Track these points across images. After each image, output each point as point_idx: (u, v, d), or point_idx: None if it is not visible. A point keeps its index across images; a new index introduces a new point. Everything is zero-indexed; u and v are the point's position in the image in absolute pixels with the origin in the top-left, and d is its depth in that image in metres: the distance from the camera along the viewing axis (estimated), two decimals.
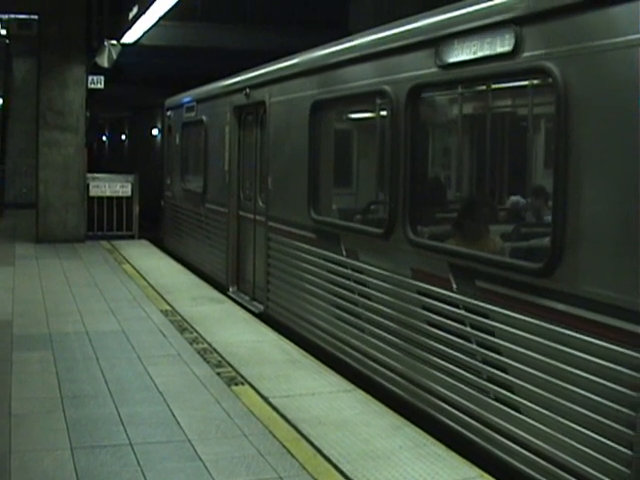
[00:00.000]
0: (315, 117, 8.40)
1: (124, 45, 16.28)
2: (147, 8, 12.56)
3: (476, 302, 5.43)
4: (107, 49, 16.17)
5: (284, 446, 5.36)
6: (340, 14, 17.77)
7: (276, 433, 5.60)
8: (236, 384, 6.75)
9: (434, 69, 6.00)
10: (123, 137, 40.71)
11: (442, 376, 5.82)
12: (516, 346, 5.01)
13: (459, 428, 5.62)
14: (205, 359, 7.51)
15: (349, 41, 7.83)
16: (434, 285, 5.95)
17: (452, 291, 5.72)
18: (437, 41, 5.94)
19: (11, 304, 9.84)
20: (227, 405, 6.19)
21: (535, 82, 5.44)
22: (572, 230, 4.59)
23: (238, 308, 10.00)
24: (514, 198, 6.21)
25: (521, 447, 4.95)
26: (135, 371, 7.10)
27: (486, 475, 4.95)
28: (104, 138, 49.13)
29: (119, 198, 17.16)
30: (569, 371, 4.55)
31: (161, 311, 9.64)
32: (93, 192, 16.85)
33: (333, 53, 8.14)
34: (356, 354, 7.25)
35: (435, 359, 5.92)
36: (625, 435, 4.15)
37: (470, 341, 5.51)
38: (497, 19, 5.26)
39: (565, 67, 4.63)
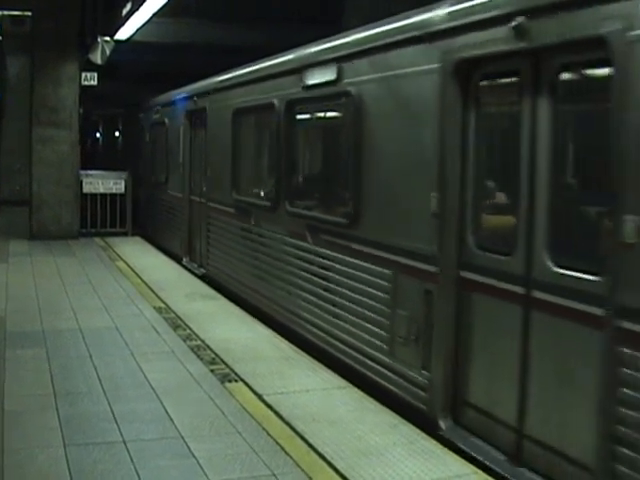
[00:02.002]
0: (235, 121, 11.05)
1: (117, 42, 16.23)
2: (140, 4, 12.53)
3: (320, 249, 8.07)
4: (100, 46, 16.11)
5: (278, 443, 5.36)
6: (335, 10, 17.73)
7: (270, 430, 5.60)
8: (230, 381, 6.74)
9: (300, 89, 8.62)
10: (117, 134, 40.74)
11: (307, 304, 8.35)
12: (338, 275, 7.61)
13: (317, 341, 8.04)
14: (199, 356, 7.51)
15: (256, 65, 10.44)
16: (299, 240, 8.62)
17: (308, 242, 8.39)
18: (301, 69, 8.56)
19: (4, 301, 9.82)
20: (221, 402, 6.19)
21: (344, 99, 7.58)
22: (363, 203, 7.12)
23: (232, 305, 9.99)
24: (333, 182, 8.63)
25: (346, 346, 7.34)
26: (128, 368, 7.10)
27: (480, 471, 4.96)
28: (98, 135, 49.03)
29: (113, 195, 17.14)
30: (362, 289, 7.07)
31: (154, 308, 9.63)
32: (87, 189, 16.83)
33: (246, 73, 10.78)
34: (259, 297, 9.88)
35: (303, 291, 8.49)
36: (385, 324, 6.62)
37: (318, 275, 8.07)
38: (328, 57, 7.89)
39: (362, 90, 7.14)
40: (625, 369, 4.16)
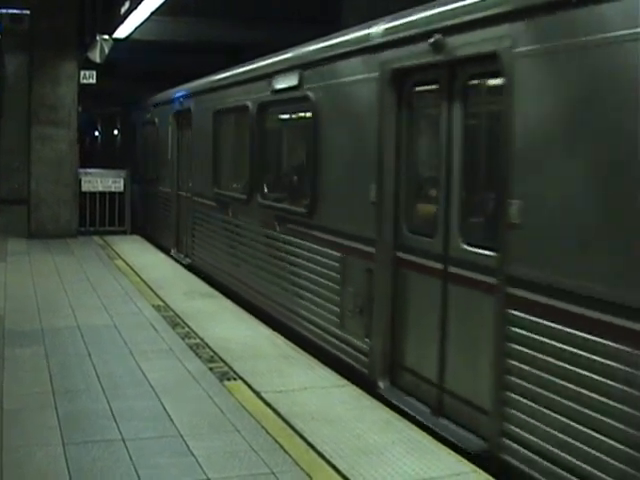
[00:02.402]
0: (215, 122, 12.08)
1: (116, 40, 16.22)
2: (139, 3, 12.52)
3: (286, 236, 9.01)
4: (99, 44, 16.11)
5: (277, 441, 5.36)
6: (334, 10, 17.71)
7: (268, 428, 5.60)
8: (228, 379, 6.74)
9: (269, 93, 9.59)
10: (115, 132, 40.71)
11: (275, 285, 9.38)
12: (300, 258, 8.59)
13: (282, 318, 9.05)
14: (197, 354, 7.51)
15: (230, 71, 11.63)
16: (269, 228, 9.58)
17: (276, 231, 9.32)
18: (271, 75, 9.50)
19: (3, 300, 9.81)
20: (219, 400, 6.19)
21: (305, 103, 8.45)
22: (319, 194, 8.09)
23: (231, 303, 10.00)
24: (296, 177, 9.72)
25: (306, 320, 8.34)
26: (127, 366, 7.10)
27: (479, 470, 4.96)
28: (96, 133, 49.00)
29: (111, 193, 17.14)
30: (319, 270, 8.06)
31: (153, 306, 9.63)
32: (85, 187, 16.84)
33: (225, 77, 11.84)
34: (236, 282, 10.87)
35: (272, 275, 9.48)
36: (336, 300, 7.61)
37: (285, 260, 9.08)
38: (292, 64, 8.86)
39: (319, 95, 8.11)
40: (512, 327, 5.04)
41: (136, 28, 15.09)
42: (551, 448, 4.68)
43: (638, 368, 4.09)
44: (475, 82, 5.90)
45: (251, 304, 10.01)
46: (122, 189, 17.22)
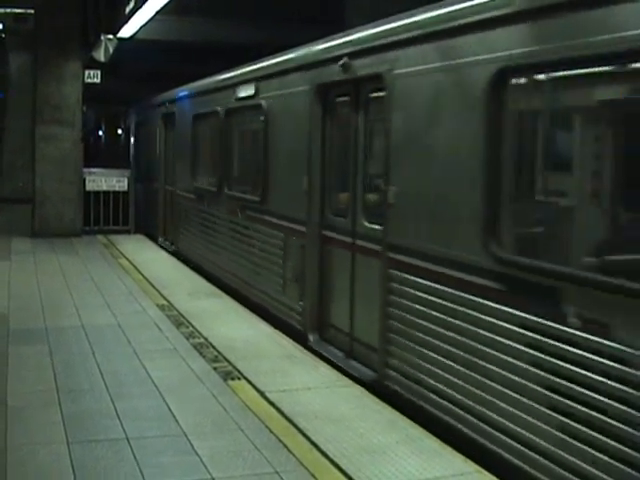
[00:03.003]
0: (194, 125, 13.76)
1: (120, 39, 16.23)
2: (143, 2, 12.53)
3: (245, 221, 10.56)
4: (104, 43, 16.11)
5: (280, 440, 5.37)
6: (337, 10, 17.71)
7: (272, 427, 5.61)
8: (232, 378, 6.75)
9: (234, 100, 11.18)
10: (119, 131, 40.79)
11: (238, 263, 10.93)
12: (255, 239, 10.22)
13: (243, 291, 10.63)
14: (201, 353, 7.52)
15: (204, 80, 13.41)
16: (234, 215, 11.10)
17: (238, 217, 10.87)
18: (235, 85, 11.15)
19: (7, 298, 9.83)
20: (223, 399, 6.19)
21: (260, 110, 9.96)
22: (268, 185, 9.67)
23: (235, 302, 10.00)
24: (253, 171, 10.78)
25: (259, 291, 9.96)
26: (131, 365, 7.10)
27: (482, 470, 4.96)
28: (100, 132, 49.07)
29: (115, 193, 17.16)
30: (268, 248, 9.62)
31: (157, 305, 9.64)
32: (89, 186, 16.86)
33: (201, 85, 13.64)
34: (209, 263, 12.44)
35: (234, 254, 11.08)
36: (280, 271, 9.17)
37: (245, 241, 10.61)
38: (250, 77, 10.54)
39: (269, 103, 9.72)
40: (391, 283, 6.54)
41: (141, 27, 15.10)
42: (422, 376, 6.05)
43: (472, 308, 5.44)
44: (372, 95, 7.32)
45: (220, 280, 11.54)
46: (126, 188, 17.24)
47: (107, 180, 17.17)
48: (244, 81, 10.79)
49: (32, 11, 17.56)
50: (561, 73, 4.89)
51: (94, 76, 17.36)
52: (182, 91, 14.93)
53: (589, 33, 4.43)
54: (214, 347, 7.75)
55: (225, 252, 11.59)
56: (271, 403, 6.13)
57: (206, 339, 8.06)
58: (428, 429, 5.66)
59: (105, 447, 5.19)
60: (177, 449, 5.21)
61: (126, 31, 15.62)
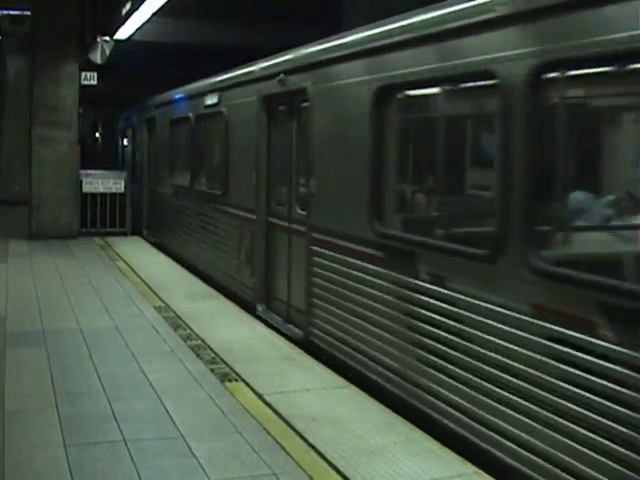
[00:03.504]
0: (171, 129, 15.47)
1: (117, 41, 16.24)
2: (140, 4, 12.54)
3: (211, 212, 12.24)
4: (100, 45, 16.12)
5: (278, 442, 5.37)
6: (335, 10, 17.69)
7: (270, 429, 5.61)
8: (230, 380, 6.75)
9: (203, 108, 12.84)
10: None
11: (202, 249, 12.77)
12: (218, 228, 11.81)
13: (207, 271, 12.40)
14: (199, 356, 7.52)
15: (180, 88, 15.03)
16: (202, 207, 12.79)
17: (205, 209, 12.59)
18: (204, 94, 12.80)
19: (4, 301, 9.82)
20: (221, 401, 6.19)
21: (220, 116, 11.70)
22: (228, 181, 11.33)
23: (232, 304, 10.00)
24: (217, 169, 12.46)
25: (221, 272, 11.68)
26: (129, 368, 7.10)
27: (481, 472, 4.96)
28: (97, 134, 49.04)
29: (112, 194, 17.16)
30: (228, 235, 11.18)
31: (155, 308, 9.64)
32: (86, 188, 16.85)
33: (175, 93, 15.31)
34: (183, 250, 14.12)
35: (202, 241, 12.77)
36: (236, 253, 10.93)
37: (210, 230, 12.25)
38: (215, 87, 12.23)
39: (228, 111, 11.38)
40: (312, 257, 8.09)
41: (137, 29, 15.11)
42: (334, 330, 7.55)
43: (363, 271, 6.98)
44: (303, 105, 8.69)
45: (192, 265, 13.16)
46: (123, 190, 17.24)
47: (104, 182, 17.16)
48: (210, 91, 12.47)
49: (28, 13, 17.52)
50: (412, 92, 6.84)
51: (91, 78, 17.35)
52: (161, 98, 16.72)
53: (427, 63, 6.09)
54: (211, 349, 7.75)
55: (195, 239, 13.27)
56: (269, 405, 6.13)
57: (203, 341, 8.05)
58: (343, 376, 6.97)
59: (103, 450, 5.19)
60: (175, 451, 5.21)
61: (123, 33, 15.64)
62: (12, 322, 8.75)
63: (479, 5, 5.47)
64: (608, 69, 4.59)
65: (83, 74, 16.98)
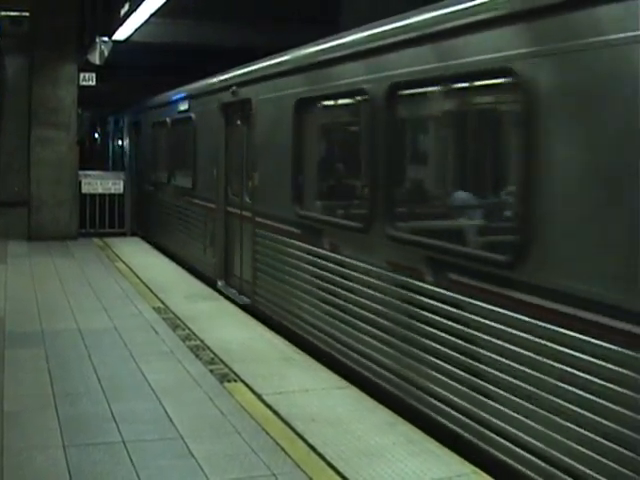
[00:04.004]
0: (152, 131, 17.55)
1: (116, 42, 16.24)
2: (138, 5, 12.53)
3: (183, 203, 14.07)
4: (98, 46, 16.12)
5: (277, 443, 5.36)
6: (335, 10, 17.68)
7: (269, 430, 5.60)
8: (229, 381, 6.74)
9: (177, 113, 14.68)
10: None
11: (176, 236, 14.69)
12: (189, 217, 13.70)
13: (180, 254, 14.22)
14: (198, 356, 7.51)
15: (159, 95, 16.93)
16: (176, 201, 14.66)
17: (179, 201, 14.40)
18: (176, 102, 14.68)
19: (3, 302, 9.82)
20: (220, 402, 6.19)
21: (191, 121, 13.53)
22: (197, 176, 13.25)
23: (231, 305, 10.00)
24: (188, 166, 13.96)
25: (189, 254, 13.74)
26: (128, 368, 7.10)
27: (479, 471, 4.95)
28: (96, 135, 49.03)
29: (111, 195, 17.16)
30: (196, 223, 13.23)
31: (154, 308, 9.63)
32: (85, 189, 16.85)
33: (156, 99, 17.25)
34: (163, 239, 15.85)
35: (177, 230, 14.61)
36: (203, 237, 12.70)
37: (183, 219, 14.06)
38: (186, 95, 14.06)
39: (196, 116, 13.28)
40: (256, 237, 9.83)
41: (136, 30, 15.10)
42: (270, 296, 9.31)
43: (289, 245, 8.71)
44: (250, 112, 10.25)
45: (170, 251, 14.86)
46: (122, 191, 17.24)
47: (103, 183, 17.17)
48: (183, 98, 14.40)
49: (27, 14, 17.52)
50: (319, 104, 8.72)
51: (89, 79, 17.35)
52: (145, 103, 18.66)
53: (324, 82, 8.08)
54: (210, 350, 7.75)
55: (171, 228, 15.14)
56: (268, 406, 6.13)
57: (202, 342, 8.05)
58: (287, 338, 8.23)
59: (102, 451, 5.18)
60: (174, 452, 5.20)
61: (121, 34, 15.63)
62: (11, 323, 8.75)
63: (350, 42, 7.48)
64: (434, 89, 6.50)
65: (82, 75, 16.97)
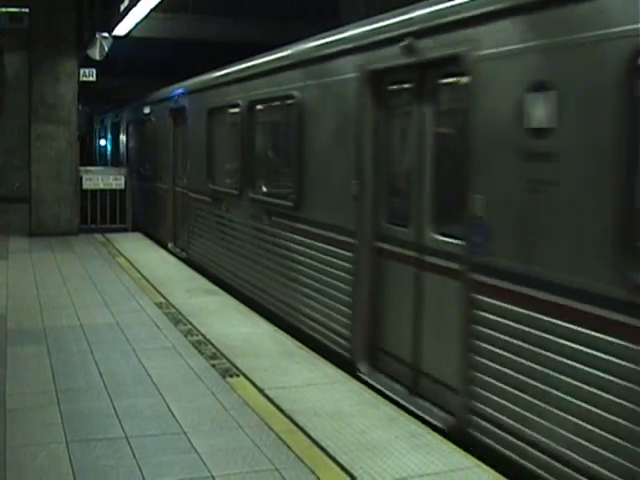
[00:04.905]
0: (127, 129, 21.15)
1: (115, 37, 16.22)
2: (138, 0, 12.52)
3: (150, 189, 17.03)
4: (98, 41, 16.11)
5: (280, 437, 5.36)
6: (334, 7, 17.69)
7: (272, 424, 5.60)
8: (231, 376, 6.75)
9: (143, 115, 17.74)
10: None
11: (154, 219, 16.92)
12: (156, 199, 16.67)
13: (158, 237, 16.46)
14: (200, 351, 7.51)
15: (136, 100, 19.57)
16: (147, 186, 17.12)
17: (148, 187, 17.05)
18: (143, 106, 17.75)
19: (5, 298, 9.82)
20: (222, 397, 6.19)
21: (151, 121, 17.06)
22: (157, 168, 16.73)
23: (233, 300, 10.00)
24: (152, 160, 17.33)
25: (165, 236, 16.12)
26: (130, 364, 7.10)
27: (482, 464, 4.95)
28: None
29: (112, 191, 17.15)
30: (159, 204, 16.65)
31: (155, 303, 9.63)
32: (86, 185, 16.85)
33: (131, 103, 20.64)
34: (145, 222, 17.69)
35: (158, 215, 16.33)
36: (171, 220, 15.77)
37: (152, 202, 16.96)
38: (147, 101, 17.52)
39: (155, 119, 16.64)
40: (188, 207, 13.69)
41: (136, 25, 15.09)
42: (201, 250, 12.50)
43: (205, 210, 12.23)
44: (185, 116, 13.71)
45: (150, 234, 16.70)
46: (123, 186, 17.23)
47: (104, 178, 17.16)
48: (147, 103, 17.41)
49: (27, 10, 17.49)
50: (219, 112, 11.90)
51: (89, 74, 17.34)
52: (128, 106, 21.56)
53: (222, 97, 11.57)
54: (212, 344, 7.75)
55: (147, 210, 17.51)
56: (270, 400, 6.13)
57: (204, 336, 8.05)
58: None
59: (104, 446, 5.18)
60: (176, 447, 5.20)
61: (121, 29, 15.61)
62: (13, 319, 8.75)
63: (235, 71, 11.04)
64: (267, 105, 10.17)
65: (82, 71, 16.96)
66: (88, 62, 17.04)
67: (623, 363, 4.14)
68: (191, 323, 8.63)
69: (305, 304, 8.30)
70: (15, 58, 23.88)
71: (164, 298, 9.97)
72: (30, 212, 16.19)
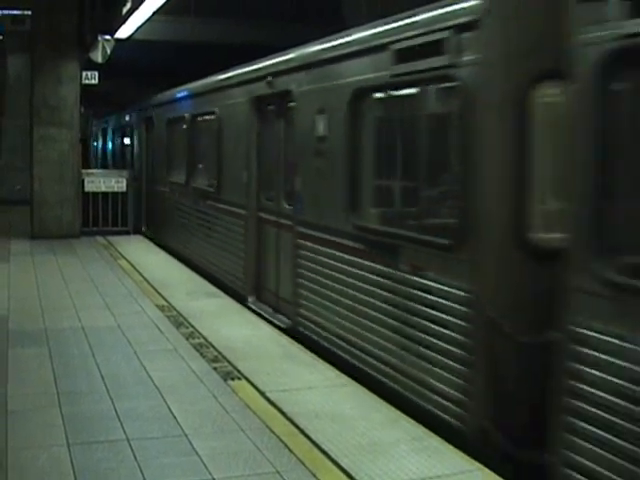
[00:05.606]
0: (113, 134, 25.77)
1: (118, 40, 16.23)
2: (140, 3, 12.52)
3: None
4: (101, 44, 16.11)
5: (281, 440, 5.36)
6: (337, 9, 17.68)
7: (273, 427, 5.60)
8: (232, 378, 6.74)
9: (126, 121, 21.95)
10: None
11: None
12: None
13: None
14: (201, 354, 7.51)
15: (123, 109, 22.92)
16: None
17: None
18: (126, 114, 21.88)
19: (7, 300, 9.82)
20: (223, 400, 6.19)
21: (131, 128, 21.00)
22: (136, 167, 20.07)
23: (234, 303, 10.00)
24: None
25: (137, 221, 19.36)
26: (131, 366, 7.10)
27: (484, 468, 4.95)
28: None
29: (114, 193, 17.16)
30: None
31: (157, 306, 9.64)
32: (88, 187, 16.84)
33: (117, 111, 24.64)
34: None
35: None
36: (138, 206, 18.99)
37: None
38: (129, 111, 21.65)
39: (135, 125, 20.23)
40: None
41: (138, 28, 15.10)
42: (163, 228, 16.45)
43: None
44: (153, 124, 17.09)
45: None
46: (125, 189, 17.24)
47: (106, 181, 17.17)
48: (127, 112, 21.17)
49: (29, 12, 17.51)
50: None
51: (92, 77, 17.35)
52: (110, 115, 26.04)
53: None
54: (214, 347, 7.75)
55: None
56: (272, 403, 6.13)
57: (206, 339, 8.05)
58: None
59: (106, 448, 5.18)
60: (178, 450, 5.20)
61: (123, 32, 15.62)
62: (14, 321, 8.75)
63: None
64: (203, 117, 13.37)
65: (84, 73, 16.97)
66: (90, 65, 17.03)
67: (350, 269, 7.33)
68: (192, 326, 8.63)
69: (218, 256, 11.85)
70: (18, 60, 23.93)
71: (165, 301, 9.97)
72: (32, 214, 16.20)
